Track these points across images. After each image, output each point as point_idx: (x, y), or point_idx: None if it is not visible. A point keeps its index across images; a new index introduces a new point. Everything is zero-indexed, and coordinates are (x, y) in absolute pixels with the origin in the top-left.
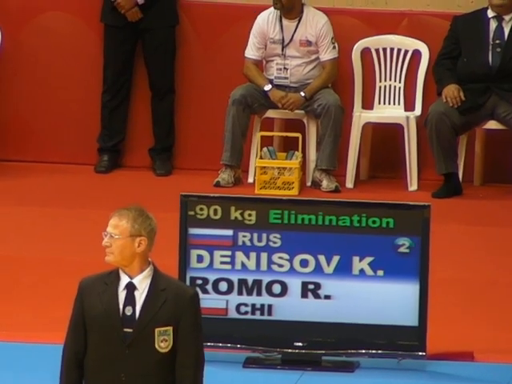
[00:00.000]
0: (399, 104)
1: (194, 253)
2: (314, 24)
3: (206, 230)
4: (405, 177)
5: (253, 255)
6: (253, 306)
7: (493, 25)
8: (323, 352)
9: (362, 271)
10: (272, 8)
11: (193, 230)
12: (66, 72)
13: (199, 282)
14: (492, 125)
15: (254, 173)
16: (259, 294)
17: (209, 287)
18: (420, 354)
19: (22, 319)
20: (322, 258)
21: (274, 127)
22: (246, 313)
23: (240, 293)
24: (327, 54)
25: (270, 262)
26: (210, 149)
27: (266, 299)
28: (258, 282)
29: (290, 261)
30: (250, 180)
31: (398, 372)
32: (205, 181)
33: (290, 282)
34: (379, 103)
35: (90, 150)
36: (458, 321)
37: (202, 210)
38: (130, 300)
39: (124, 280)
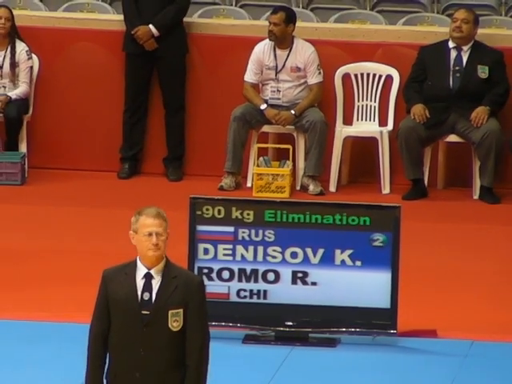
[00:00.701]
0: (374, 120)
1: (201, 246)
2: (303, 53)
3: (211, 227)
4: (379, 182)
5: (251, 248)
6: (250, 291)
7: (453, 54)
8: (310, 330)
9: (342, 262)
10: (267, 39)
11: (200, 227)
12: (93, 93)
13: (205, 270)
14: (452, 138)
15: (252, 178)
16: (256, 281)
17: (213, 275)
18: (392, 331)
19: (58, 302)
20: (309, 251)
21: (268, 140)
22: (245, 297)
23: (240, 280)
24: (314, 78)
25: (265, 254)
26: (214, 158)
27: (261, 285)
28: (255, 271)
29: (282, 253)
30: (249, 184)
31: (372, 347)
32: (210, 185)
33: (282, 270)
34: (357, 120)
35: (113, 160)
36: (424, 303)
37: (207, 210)
38: (148, 287)
39: (142, 270)
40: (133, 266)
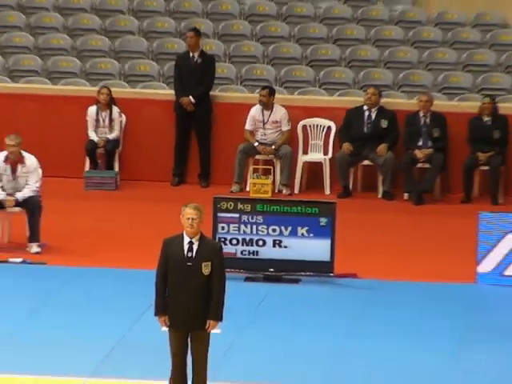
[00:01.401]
0: (320, 152)
1: (220, 225)
2: (279, 113)
3: (225, 214)
4: (323, 187)
5: (248, 226)
6: (249, 251)
7: (366, 113)
8: (283, 274)
9: (302, 234)
10: (258, 105)
11: (219, 214)
12: (157, 136)
13: (222, 239)
14: (366, 162)
15: (249, 185)
16: (252, 245)
17: (227, 242)
18: (330, 274)
19: (137, 257)
20: (283, 228)
21: (259, 163)
22: (245, 255)
23: (242, 245)
24: (285, 127)
25: (257, 229)
26: (227, 174)
27: (255, 248)
28: (251, 240)
29: (267, 229)
30: (247, 189)
31: (318, 283)
32: (225, 190)
33: (266, 239)
34: (311, 151)
35: (168, 174)
36: (349, 258)
37: (223, 204)
38: (190, 249)
39: (187, 239)
40: (181, 237)
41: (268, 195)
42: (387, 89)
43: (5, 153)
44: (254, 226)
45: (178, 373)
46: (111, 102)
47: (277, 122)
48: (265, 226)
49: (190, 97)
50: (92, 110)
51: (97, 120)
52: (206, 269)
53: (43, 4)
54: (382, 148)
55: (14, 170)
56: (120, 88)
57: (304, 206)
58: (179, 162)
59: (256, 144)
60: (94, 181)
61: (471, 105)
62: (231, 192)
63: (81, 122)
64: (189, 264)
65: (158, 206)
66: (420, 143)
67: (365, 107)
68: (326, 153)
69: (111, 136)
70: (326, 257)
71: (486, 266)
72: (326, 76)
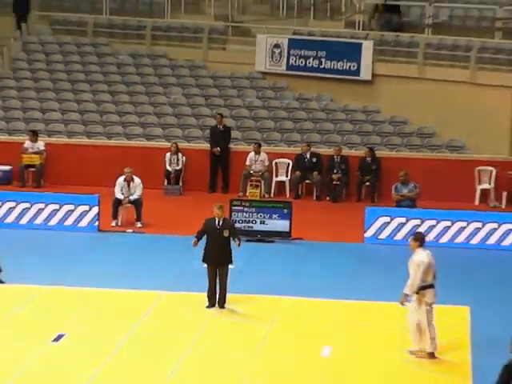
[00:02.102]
0: (284, 176)
1: (233, 213)
2: (263, 156)
3: (236, 207)
4: (285, 194)
5: (248, 213)
6: (248, 226)
7: (304, 155)
8: (266, 238)
9: (275, 218)
10: (253, 151)
11: (233, 207)
12: (203, 167)
13: (234, 220)
14: (307, 181)
15: (248, 193)
16: (249, 223)
17: (237, 221)
18: (289, 238)
19: (192, 228)
20: (265, 214)
21: (253, 181)
22: (246, 228)
23: (244, 223)
24: (266, 163)
25: (252, 215)
26: (237, 186)
27: (251, 225)
28: (249, 220)
29: (257, 215)
30: (247, 194)
31: (283, 242)
32: (235, 195)
33: (256, 220)
34: (279, 176)
35: (206, 187)
36: (299, 229)
37: (235, 202)
38: (218, 223)
39: (217, 219)
40: (214, 218)
41: (257, 197)
42: (316, 144)
43: (124, 176)
44: (250, 213)
45: (211, 289)
46: (177, 150)
47: (262, 160)
48: (255, 213)
49: (218, 148)
50: (168, 154)
51: (171, 160)
52: (225, 233)
53: None
54: (315, 174)
55: (128, 185)
56: (182, 143)
57: (276, 203)
58: (212, 180)
59: (251, 171)
60: (169, 190)
61: (357, 152)
62: (238, 196)
63: (162, 161)
64: (218, 231)
65: (202, 203)
66: (335, 171)
67: (303, 153)
68: (287, 176)
69: (178, 168)
70: (287, 229)
71: (369, 233)
72: (288, 138)
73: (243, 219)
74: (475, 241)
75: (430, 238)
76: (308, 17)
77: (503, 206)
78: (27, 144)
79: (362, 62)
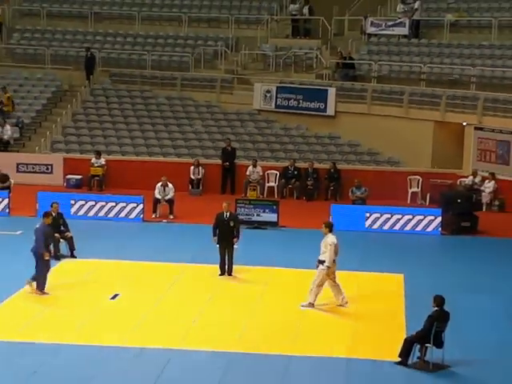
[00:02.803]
0: (274, 182)
1: (237, 208)
2: (258, 168)
3: (240, 204)
4: (275, 195)
5: (248, 209)
6: (247, 218)
7: (288, 168)
8: (260, 226)
9: (267, 212)
10: (251, 165)
11: (237, 204)
12: (215, 175)
13: (239, 213)
14: (290, 186)
15: (248, 194)
16: (249, 216)
17: (239, 214)
18: (279, 226)
19: (209, 219)
20: (260, 209)
21: (252, 186)
22: (246, 219)
23: (245, 215)
24: (260, 173)
25: (250, 211)
26: (240, 190)
27: (250, 216)
28: (248, 213)
29: (254, 210)
30: (247, 195)
31: (273, 229)
32: (239, 196)
33: (254, 213)
34: (269, 182)
35: (218, 189)
36: (288, 218)
37: (239, 201)
38: (226, 216)
39: (225, 213)
40: (223, 212)
41: (255, 197)
42: (296, 159)
43: (161, 182)
44: (250, 209)
45: (222, 262)
46: (198, 164)
47: (258, 172)
48: (253, 208)
49: (227, 163)
50: (192, 167)
51: (194, 171)
52: (231, 223)
53: None
54: (294, 181)
55: (164, 188)
56: (202, 159)
57: (267, 201)
58: (223, 185)
59: (250, 179)
60: (192, 192)
61: (324, 166)
62: (242, 196)
63: (188, 172)
64: (225, 221)
65: (216, 201)
66: (309, 179)
67: (289, 166)
68: (275, 183)
69: (199, 177)
70: (275, 219)
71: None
72: (276, 156)
73: (245, 213)
74: (408, 228)
75: (376, 225)
76: (290, 71)
77: (427, 204)
78: (93, 160)
79: (328, 102)
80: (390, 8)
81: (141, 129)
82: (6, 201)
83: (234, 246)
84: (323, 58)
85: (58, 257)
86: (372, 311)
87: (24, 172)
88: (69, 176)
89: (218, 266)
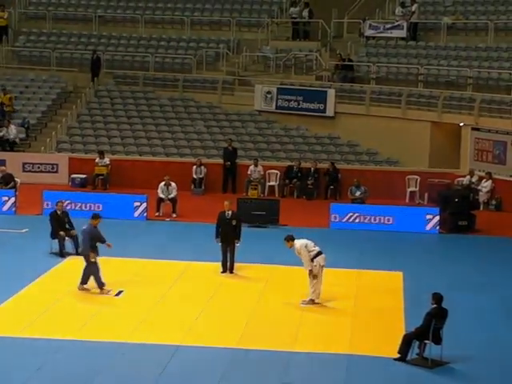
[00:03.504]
0: (275, 181)
1: (240, 205)
2: (259, 168)
3: (242, 202)
4: (275, 194)
5: (249, 207)
6: (250, 215)
7: (293, 168)
8: (262, 224)
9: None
10: (253, 165)
11: (239, 203)
12: (217, 174)
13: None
14: (291, 185)
15: (249, 193)
16: (249, 211)
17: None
18: (279, 224)
19: (213, 217)
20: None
21: (253, 185)
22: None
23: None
24: (261, 172)
25: (252, 208)
26: (242, 189)
27: (252, 213)
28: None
29: (256, 208)
30: (249, 194)
31: (274, 227)
32: (241, 195)
33: (255, 211)
34: (270, 181)
35: (220, 188)
36: (289, 217)
37: (240, 200)
38: (228, 215)
39: (226, 212)
40: (224, 211)
41: (256, 196)
42: (296, 159)
43: (164, 182)
44: (252, 207)
45: (224, 259)
46: (201, 164)
47: (259, 171)
48: (255, 207)
49: (229, 162)
50: (194, 167)
51: (196, 170)
52: (233, 222)
53: None
54: (296, 181)
55: (167, 188)
56: (204, 159)
57: (268, 200)
58: (224, 184)
59: (252, 179)
60: (195, 192)
61: (324, 166)
62: (243, 195)
63: (190, 171)
64: (227, 220)
65: (218, 200)
66: (309, 178)
67: (294, 167)
68: (276, 182)
69: (201, 176)
70: (276, 216)
71: (333, 221)
72: (276, 156)
73: (247, 209)
74: (406, 226)
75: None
76: (290, 73)
77: (425, 203)
78: (97, 160)
79: (327, 103)
80: (388, 11)
81: (144, 129)
82: (12, 199)
83: (236, 244)
84: (323, 60)
85: (63, 254)
86: (371, 308)
87: (30, 171)
88: (74, 175)
89: (219, 264)
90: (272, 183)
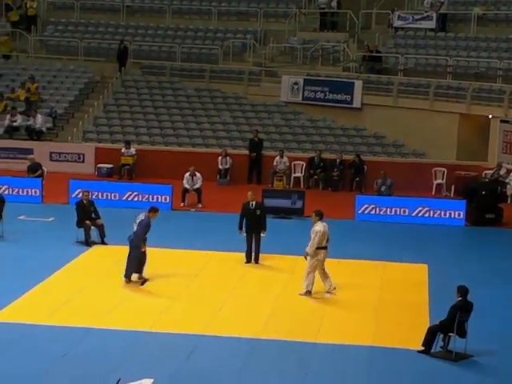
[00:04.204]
0: (299, 172)
1: (264, 199)
2: (285, 159)
3: (267, 194)
4: (300, 185)
5: (275, 199)
6: (276, 206)
7: (315, 159)
8: (287, 215)
9: (294, 203)
10: (278, 156)
11: (264, 193)
12: (243, 166)
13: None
14: (316, 177)
15: (274, 184)
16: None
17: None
18: (303, 216)
19: (238, 208)
20: (287, 198)
21: (278, 176)
22: (274, 208)
23: (268, 204)
24: (287, 164)
25: (279, 199)
26: (267, 180)
27: (277, 205)
28: (276, 202)
29: (283, 199)
30: (274, 185)
31: (299, 218)
32: (266, 186)
33: (282, 202)
34: (295, 172)
35: (245, 180)
36: (309, 208)
37: (266, 191)
38: (252, 205)
39: (251, 202)
40: (249, 201)
41: (281, 188)
42: (322, 151)
43: (189, 172)
44: (278, 199)
45: (248, 250)
46: (226, 154)
47: (284, 162)
48: (281, 198)
49: (254, 153)
50: (220, 158)
51: (222, 161)
52: (258, 212)
53: None
54: (320, 172)
55: (192, 178)
56: (230, 150)
57: (294, 192)
58: (250, 175)
59: (277, 170)
60: (220, 182)
61: (350, 157)
62: (268, 186)
63: (216, 162)
64: (252, 212)
65: (243, 191)
66: (335, 170)
67: (315, 158)
68: (301, 173)
69: (227, 167)
70: (301, 207)
71: (358, 213)
72: (302, 147)
73: (272, 202)
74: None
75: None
76: (317, 64)
77: (452, 195)
78: (123, 150)
79: (354, 95)
80: (417, 2)
81: (170, 119)
82: (39, 188)
83: (261, 235)
84: (350, 51)
85: (89, 243)
86: (396, 300)
87: (57, 161)
88: (100, 165)
89: (244, 254)
90: (297, 174)
